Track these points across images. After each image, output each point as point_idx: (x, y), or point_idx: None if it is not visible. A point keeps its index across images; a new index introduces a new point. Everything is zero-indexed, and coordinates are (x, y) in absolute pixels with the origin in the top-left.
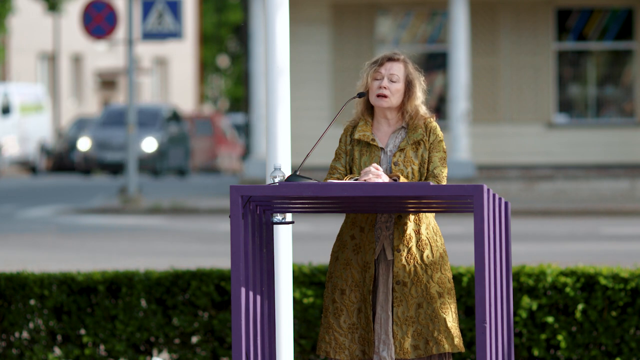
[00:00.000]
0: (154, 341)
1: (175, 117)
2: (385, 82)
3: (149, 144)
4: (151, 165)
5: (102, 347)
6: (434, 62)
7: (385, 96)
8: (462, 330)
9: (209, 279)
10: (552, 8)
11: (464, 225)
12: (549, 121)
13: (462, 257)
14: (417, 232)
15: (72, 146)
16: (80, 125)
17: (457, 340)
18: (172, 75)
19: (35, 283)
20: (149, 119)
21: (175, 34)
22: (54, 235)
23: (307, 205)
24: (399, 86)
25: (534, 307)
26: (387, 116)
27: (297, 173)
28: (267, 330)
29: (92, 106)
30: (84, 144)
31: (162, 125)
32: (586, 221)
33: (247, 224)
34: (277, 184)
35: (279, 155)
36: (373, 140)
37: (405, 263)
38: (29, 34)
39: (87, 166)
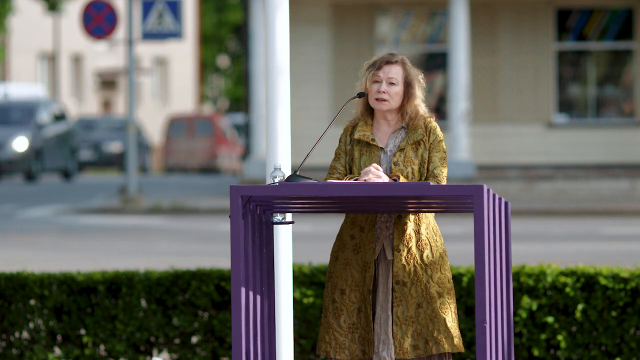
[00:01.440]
0: (154, 341)
1: (59, 113)
2: (384, 86)
3: (20, 144)
4: (25, 167)
5: (102, 347)
6: (434, 62)
7: (384, 100)
8: (462, 330)
9: (209, 279)
10: (552, 8)
11: (464, 225)
12: (549, 121)
13: (462, 257)
14: (417, 232)
15: None
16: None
17: (457, 340)
18: (172, 75)
19: (35, 283)
20: (23, 116)
21: (175, 34)
22: (54, 235)
23: (307, 205)
24: (398, 89)
25: (534, 307)
26: (387, 117)
27: (297, 173)
28: (267, 330)
29: (92, 106)
30: None
31: (38, 123)
32: (586, 221)
33: (247, 224)
34: (277, 184)
35: (279, 155)
36: (373, 140)
37: (405, 263)
38: (29, 34)
39: None
